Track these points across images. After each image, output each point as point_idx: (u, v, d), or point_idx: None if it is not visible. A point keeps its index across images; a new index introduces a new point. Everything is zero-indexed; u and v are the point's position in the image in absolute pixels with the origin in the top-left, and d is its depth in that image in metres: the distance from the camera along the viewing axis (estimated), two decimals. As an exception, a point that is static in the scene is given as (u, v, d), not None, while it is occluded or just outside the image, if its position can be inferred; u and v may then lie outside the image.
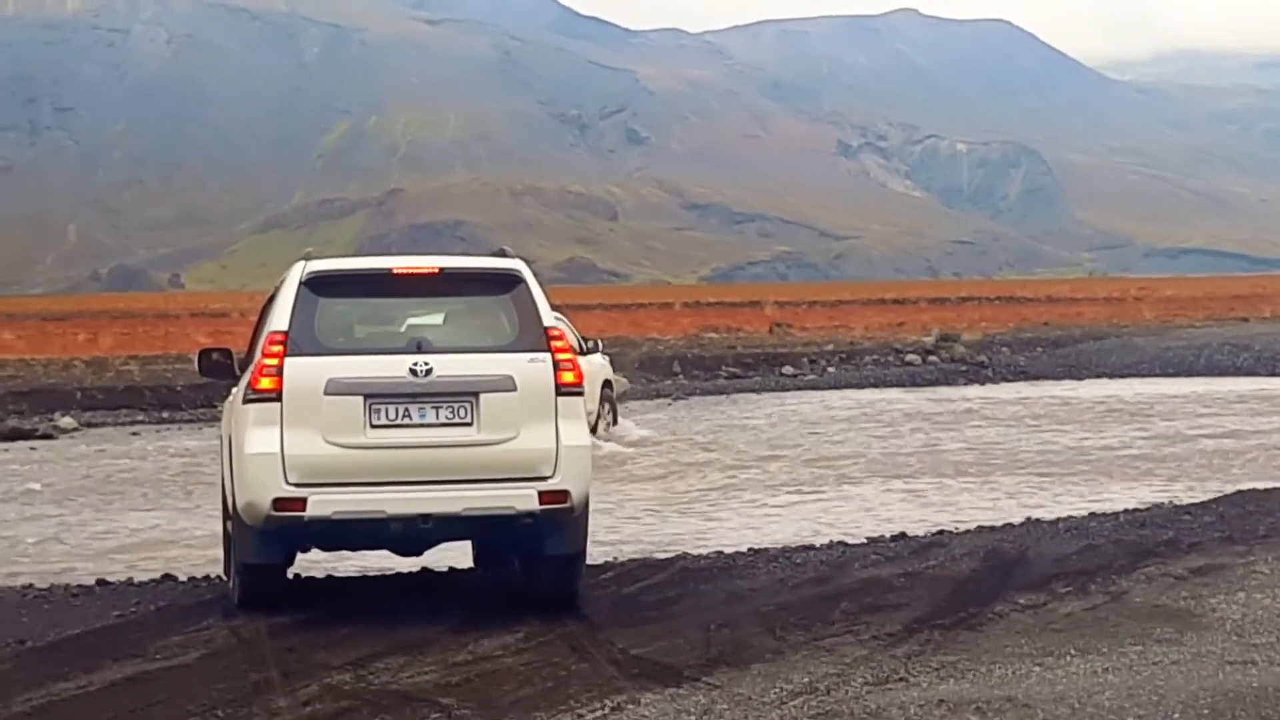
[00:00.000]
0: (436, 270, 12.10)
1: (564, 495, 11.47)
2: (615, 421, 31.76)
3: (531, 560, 12.15)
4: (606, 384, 31.53)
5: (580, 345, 30.25)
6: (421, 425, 11.45)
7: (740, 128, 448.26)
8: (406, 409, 11.43)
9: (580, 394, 11.84)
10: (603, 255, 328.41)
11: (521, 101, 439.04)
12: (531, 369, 11.60)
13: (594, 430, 30.33)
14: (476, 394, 11.47)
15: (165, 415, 35.67)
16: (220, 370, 13.20)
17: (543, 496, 11.42)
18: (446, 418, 11.46)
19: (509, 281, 11.98)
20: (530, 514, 11.44)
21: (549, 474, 11.47)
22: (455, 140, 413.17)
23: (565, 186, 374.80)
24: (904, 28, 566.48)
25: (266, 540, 11.65)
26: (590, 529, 12.14)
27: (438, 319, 12.27)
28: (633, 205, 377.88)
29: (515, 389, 11.51)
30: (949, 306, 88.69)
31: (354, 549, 13.51)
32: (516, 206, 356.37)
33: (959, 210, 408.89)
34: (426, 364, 11.46)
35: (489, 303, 12.02)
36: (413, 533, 11.68)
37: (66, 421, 33.27)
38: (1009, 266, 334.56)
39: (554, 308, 12.42)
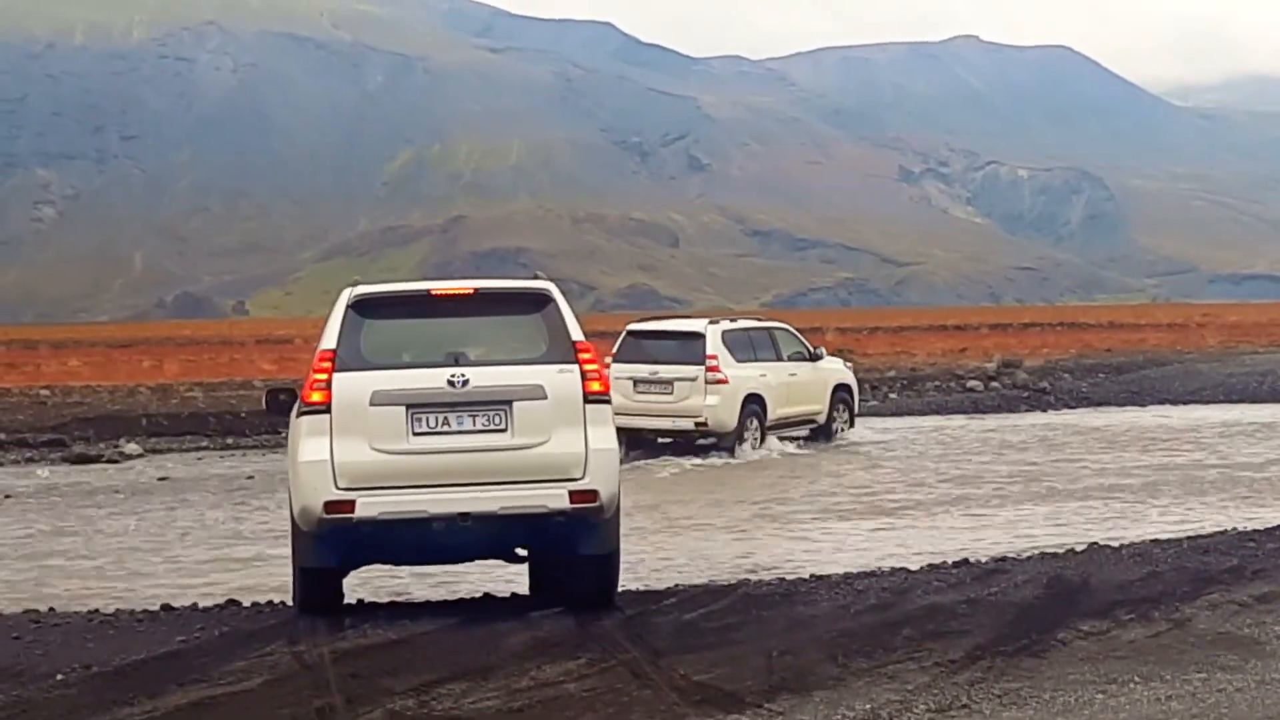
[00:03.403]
0: (472, 291, 13.09)
1: (593, 495, 12.37)
2: (851, 424, 32.06)
3: (569, 562, 12.95)
4: (843, 388, 31.97)
5: (810, 352, 30.84)
6: (460, 432, 12.38)
7: (802, 154, 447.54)
8: (445, 417, 12.37)
9: (608, 402, 12.68)
10: (665, 282, 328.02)
11: (584, 129, 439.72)
12: (561, 379, 12.50)
13: (828, 431, 31.06)
14: (510, 402, 12.39)
15: (229, 441, 35.83)
16: (287, 409, 13.64)
17: (573, 495, 12.33)
18: (482, 425, 12.39)
19: (539, 301, 12.94)
20: (562, 512, 12.34)
21: (579, 475, 12.38)
22: (518, 167, 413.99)
23: (627, 213, 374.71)
24: (965, 54, 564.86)
25: (322, 544, 12.55)
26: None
27: (474, 335, 12.99)
28: (694, 232, 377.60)
29: (546, 397, 12.42)
30: (1011, 332, 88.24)
31: (401, 560, 14.16)
32: (578, 233, 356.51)
33: (1021, 236, 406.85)
34: (463, 376, 12.39)
35: (521, 320, 12.95)
36: (454, 533, 12.41)
37: (132, 448, 33.47)
38: (1071, 293, 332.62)
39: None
